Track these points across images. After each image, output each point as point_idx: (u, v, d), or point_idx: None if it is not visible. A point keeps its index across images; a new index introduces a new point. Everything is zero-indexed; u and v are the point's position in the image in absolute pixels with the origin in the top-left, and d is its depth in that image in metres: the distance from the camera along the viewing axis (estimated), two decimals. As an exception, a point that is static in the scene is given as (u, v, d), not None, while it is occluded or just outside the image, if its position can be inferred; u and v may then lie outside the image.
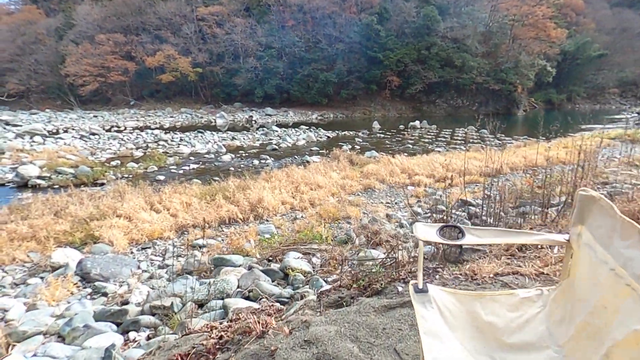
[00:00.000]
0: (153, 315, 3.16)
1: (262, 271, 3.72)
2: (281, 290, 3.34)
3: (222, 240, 6.75)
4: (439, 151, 16.39)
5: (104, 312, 3.18)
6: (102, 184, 11.58)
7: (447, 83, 39.36)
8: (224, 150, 17.97)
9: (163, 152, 16.94)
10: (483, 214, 4.34)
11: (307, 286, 3.41)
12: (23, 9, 57.39)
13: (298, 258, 4.14)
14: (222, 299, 3.29)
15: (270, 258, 4.52)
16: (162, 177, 12.58)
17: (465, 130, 22.29)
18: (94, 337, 2.80)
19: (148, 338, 2.87)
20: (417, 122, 27.70)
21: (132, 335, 2.91)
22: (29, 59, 44.05)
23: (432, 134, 23.83)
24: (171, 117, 34.28)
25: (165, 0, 43.68)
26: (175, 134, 22.64)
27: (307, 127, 26.17)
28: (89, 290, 4.94)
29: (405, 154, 14.56)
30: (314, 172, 11.01)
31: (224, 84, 41.88)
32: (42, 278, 5.49)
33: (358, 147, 18.52)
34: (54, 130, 24.25)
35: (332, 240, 5.27)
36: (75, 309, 3.70)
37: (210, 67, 41.38)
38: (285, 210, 8.38)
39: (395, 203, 8.98)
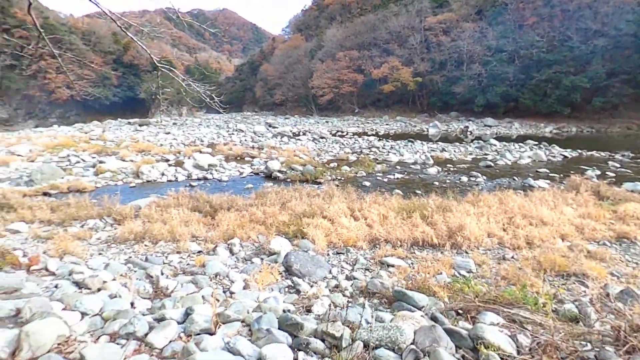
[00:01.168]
0: (323, 341, 3.10)
1: (446, 331, 3.05)
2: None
3: (412, 264, 6.31)
4: None
5: (286, 319, 3.37)
6: (320, 183, 13.30)
7: None
8: (431, 162, 17.32)
9: (373, 159, 17.98)
10: None
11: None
12: (292, 37, 74.58)
13: (497, 326, 3.21)
14: (393, 350, 2.88)
15: (460, 311, 3.73)
16: (367, 183, 13.29)
17: None
18: (271, 344, 2.96)
19: (313, 367, 2.81)
20: None
21: (300, 355, 2.93)
22: (290, 75, 56.75)
23: None
24: (387, 124, 36.27)
25: (396, 15, 46.49)
26: (387, 141, 23.67)
27: (536, 143, 21.90)
28: (289, 282, 5.57)
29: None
30: (537, 202, 8.90)
31: (442, 92, 40.85)
32: (261, 259, 6.66)
33: (612, 174, 13.90)
34: (297, 132, 30.11)
35: (552, 308, 3.91)
36: (270, 304, 4.16)
37: (431, 76, 41.22)
38: (490, 245, 7.08)
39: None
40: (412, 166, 16.59)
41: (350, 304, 4.19)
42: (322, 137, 25.95)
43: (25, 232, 8.40)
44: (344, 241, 7.24)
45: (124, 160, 17.45)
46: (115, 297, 4.62)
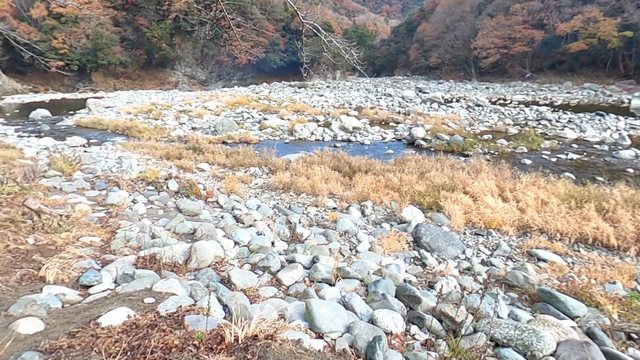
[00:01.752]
0: (440, 321, 2.89)
1: (605, 354, 2.40)
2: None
3: (572, 264, 5.18)
4: None
5: (404, 289, 3.27)
6: (467, 156, 12.06)
7: None
8: (627, 142, 13.40)
9: (540, 134, 15.09)
10: None
11: None
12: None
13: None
14: (524, 355, 2.46)
15: (635, 336, 2.87)
16: (528, 161, 11.33)
17: None
18: (385, 309, 2.94)
19: (424, 344, 2.66)
20: None
21: (413, 329, 2.81)
22: (449, 35, 51.58)
23: None
24: (567, 93, 29.55)
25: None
26: (565, 113, 19.37)
27: None
28: (415, 254, 5.38)
29: None
30: None
31: (664, 51, 30.26)
32: (391, 225, 6.61)
33: None
34: (449, 99, 27.69)
35: None
36: (391, 270, 4.11)
37: (649, 28, 30.78)
38: None
39: None
40: (597, 146, 13.21)
41: (481, 291, 3.76)
42: (478, 105, 23.15)
43: (207, 171, 10.56)
44: (485, 222, 6.46)
45: (282, 119, 19.62)
46: (261, 234, 5.38)
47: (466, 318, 2.81)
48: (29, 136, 15.52)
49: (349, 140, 15.47)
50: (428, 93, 30.59)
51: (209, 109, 22.88)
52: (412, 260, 5.19)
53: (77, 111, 25.05)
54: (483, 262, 5.21)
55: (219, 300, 2.69)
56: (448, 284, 3.99)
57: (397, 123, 18.39)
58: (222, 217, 6.32)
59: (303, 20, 4.83)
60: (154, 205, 6.60)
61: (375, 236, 5.89)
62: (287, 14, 58.78)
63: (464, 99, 26.97)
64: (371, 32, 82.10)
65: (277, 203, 7.90)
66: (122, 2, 49.41)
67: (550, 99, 26.77)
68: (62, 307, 2.52)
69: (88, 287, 2.94)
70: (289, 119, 19.46)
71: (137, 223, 5.13)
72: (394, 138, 15.72)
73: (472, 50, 43.37)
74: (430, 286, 4.07)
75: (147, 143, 14.16)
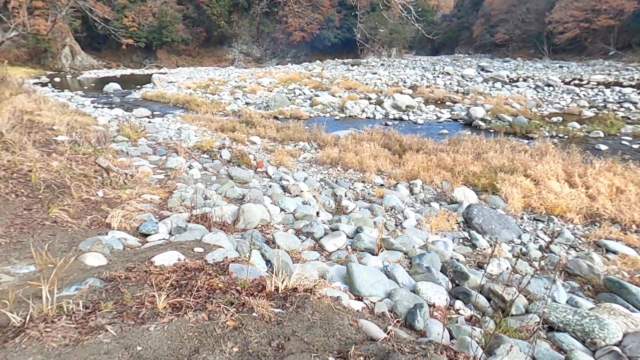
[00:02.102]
0: (488, 300, 2.73)
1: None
2: None
3: (649, 257, 4.61)
4: None
5: (449, 264, 3.14)
6: (531, 139, 11.10)
7: None
8: None
9: (622, 117, 13.40)
10: None
11: None
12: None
13: None
14: (583, 341, 2.24)
15: None
16: (604, 147, 10.17)
17: None
18: (428, 282, 2.84)
19: (469, 319, 2.54)
20: None
21: (457, 304, 2.69)
22: (521, 8, 46.93)
23: None
24: (660, 73, 25.73)
25: None
26: (655, 96, 16.94)
27: None
28: (465, 235, 5.13)
29: None
30: None
31: None
32: (440, 205, 6.34)
33: None
34: (515, 78, 25.46)
35: None
36: (438, 247, 3.95)
37: None
38: None
39: None
40: (692, 133, 11.44)
41: (536, 275, 3.49)
42: (548, 85, 21.03)
43: (258, 144, 10.84)
44: (547, 208, 5.96)
45: (333, 96, 19.42)
46: (307, 204, 5.44)
47: (516, 297, 2.63)
48: (102, 107, 16.99)
49: (401, 119, 14.95)
50: (491, 72, 28.36)
51: (262, 85, 23.30)
52: (461, 240, 4.96)
53: (143, 85, 26.86)
54: (541, 249, 4.83)
55: (262, 255, 2.77)
56: (499, 265, 3.76)
57: (454, 102, 17.36)
58: (270, 186, 6.48)
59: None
60: (207, 171, 6.94)
61: (422, 214, 5.69)
62: (344, -12, 57.15)
63: (532, 79, 24.64)
64: (432, 7, 77.32)
65: (324, 177, 7.92)
66: (186, -20, 51.19)
67: (638, 79, 23.53)
68: (123, 249, 2.76)
69: (146, 235, 3.19)
70: (340, 96, 19.21)
71: (192, 186, 5.43)
72: (450, 118, 14.89)
73: (546, 25, 39.19)
74: (480, 266, 3.86)
75: (204, 116, 14.83)
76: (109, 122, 12.02)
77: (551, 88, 20.27)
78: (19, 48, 39.29)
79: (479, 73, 28.04)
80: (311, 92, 20.97)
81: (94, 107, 16.88)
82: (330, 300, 1.94)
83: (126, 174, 5.23)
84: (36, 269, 2.08)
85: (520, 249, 4.74)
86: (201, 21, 51.88)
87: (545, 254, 4.64)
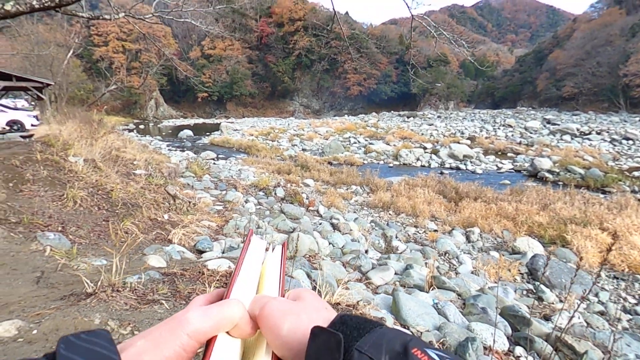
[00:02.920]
0: (556, 350, 2.41)
1: None
2: None
3: None
4: None
5: (511, 309, 2.85)
6: (607, 192, 10.07)
7: None
8: None
9: None
10: None
11: None
12: (605, 12, 58.36)
13: None
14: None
15: None
16: (701, 206, 8.84)
17: None
18: (484, 324, 2.60)
19: (531, 368, 2.25)
20: None
21: (517, 350, 2.41)
22: (591, 62, 45.04)
23: None
24: None
25: None
26: None
27: None
28: (529, 286, 4.66)
29: None
30: None
31: None
32: (500, 254, 5.87)
33: None
34: (586, 132, 23.80)
35: None
36: (496, 292, 3.63)
37: None
38: None
39: None
40: None
41: (617, 334, 3.02)
42: (626, 139, 19.28)
43: (311, 186, 11.15)
44: (631, 266, 5.23)
45: (387, 144, 19.63)
46: (355, 241, 5.38)
47: (593, 353, 2.30)
48: (175, 149, 18.90)
49: (458, 168, 14.52)
50: (558, 125, 26.87)
51: (319, 134, 24.37)
52: (524, 292, 4.50)
53: (212, 133, 29.53)
54: (625, 310, 4.19)
55: (307, 275, 2.77)
56: (571, 319, 3.32)
57: (517, 154, 16.56)
58: (320, 223, 6.54)
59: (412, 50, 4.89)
60: (262, 206, 7.25)
61: (479, 261, 5.31)
62: (402, 47, 59.79)
63: (607, 132, 22.83)
64: (492, 62, 77.23)
65: (375, 219, 7.83)
66: (257, 43, 57.46)
67: None
68: (180, 259, 2.95)
69: (202, 252, 3.38)
70: (394, 145, 19.35)
71: (247, 216, 5.70)
72: (512, 169, 14.15)
73: (621, 78, 36.91)
74: (546, 318, 3.45)
75: (263, 160, 15.76)
76: (179, 161, 13.27)
77: (630, 141, 18.56)
78: (115, 100, 45.95)
79: (544, 126, 26.73)
80: (366, 140, 21.43)
81: (168, 149, 18.83)
82: (374, 319, 1.87)
83: (190, 202, 5.67)
84: (107, 262, 2.32)
85: (599, 309, 4.16)
86: (267, 77, 56.99)
87: (631, 318, 4.02)
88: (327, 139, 22.19)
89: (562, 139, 20.23)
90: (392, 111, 53.20)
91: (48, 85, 13.23)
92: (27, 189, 3.25)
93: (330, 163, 15.64)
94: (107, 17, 4.41)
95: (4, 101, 15.51)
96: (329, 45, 55.60)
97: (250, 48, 57.14)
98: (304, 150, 19.35)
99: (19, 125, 11.65)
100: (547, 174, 12.31)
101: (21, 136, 8.51)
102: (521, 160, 14.85)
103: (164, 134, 30.71)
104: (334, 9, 5.47)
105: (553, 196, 8.74)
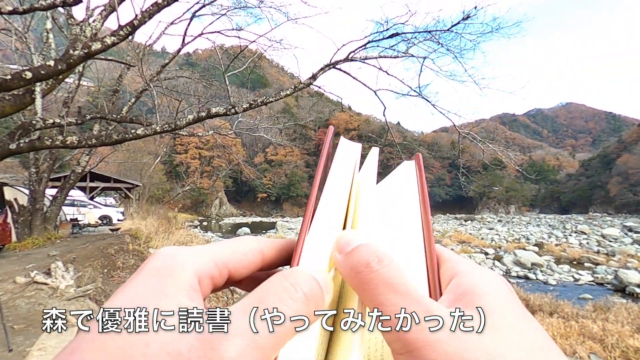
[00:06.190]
0: None
1: None
2: None
3: None
4: None
5: None
6: None
7: None
8: None
9: None
10: None
11: None
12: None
13: None
14: None
15: None
16: None
17: None
18: None
19: None
20: None
21: None
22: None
23: None
24: None
25: None
26: None
27: None
28: None
29: None
30: None
31: None
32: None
33: None
34: (680, 241, 20.88)
35: None
36: None
37: None
38: None
39: None
40: None
41: None
42: None
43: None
44: None
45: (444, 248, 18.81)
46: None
47: None
48: (234, 245, 19.87)
49: (526, 278, 13.24)
50: (642, 233, 24.09)
51: (372, 235, 24.26)
52: None
53: (268, 230, 30.82)
54: None
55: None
56: None
57: (596, 264, 14.83)
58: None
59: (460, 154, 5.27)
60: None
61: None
62: (454, 151, 61.35)
63: None
64: (553, 166, 75.22)
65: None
66: (314, 149, 62.90)
67: None
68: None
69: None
70: (452, 249, 18.47)
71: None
72: (592, 281, 12.56)
73: None
74: None
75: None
76: (237, 257, 13.88)
77: None
78: (186, 199, 51.08)
79: (625, 234, 24.12)
80: (421, 243, 20.78)
81: (227, 245, 19.86)
82: None
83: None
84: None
85: None
86: (323, 180, 60.65)
87: None
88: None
89: (649, 249, 17.91)
90: (448, 214, 52.01)
91: (137, 186, 15.44)
92: (117, 275, 3.71)
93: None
94: (200, 134, 5.47)
95: (97, 199, 18.15)
96: (381, 151, 59.02)
97: (309, 154, 62.47)
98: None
99: (108, 220, 13.37)
100: (636, 289, 10.71)
101: (110, 229, 9.75)
102: (602, 272, 13.21)
103: (224, 230, 32.67)
104: (386, 121, 6.18)
105: (648, 316, 7.49)
